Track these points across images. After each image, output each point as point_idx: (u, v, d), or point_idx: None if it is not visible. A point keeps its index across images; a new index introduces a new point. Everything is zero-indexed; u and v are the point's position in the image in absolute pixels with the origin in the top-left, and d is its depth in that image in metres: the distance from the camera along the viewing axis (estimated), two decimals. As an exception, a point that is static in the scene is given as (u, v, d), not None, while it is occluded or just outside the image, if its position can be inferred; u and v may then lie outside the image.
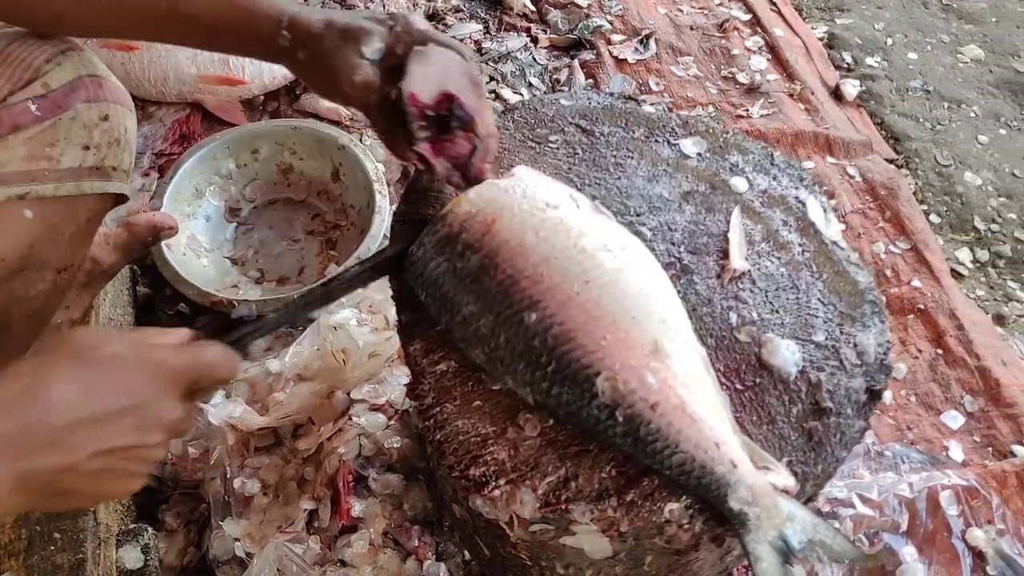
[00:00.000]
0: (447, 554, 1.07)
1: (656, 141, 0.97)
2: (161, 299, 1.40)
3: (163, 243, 1.34)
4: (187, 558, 1.14)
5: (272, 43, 0.80)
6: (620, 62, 1.82)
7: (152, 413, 0.60)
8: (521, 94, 1.73)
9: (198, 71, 1.61)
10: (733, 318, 0.82)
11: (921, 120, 1.81)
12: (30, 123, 0.82)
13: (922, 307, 1.43)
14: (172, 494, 1.20)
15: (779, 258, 0.87)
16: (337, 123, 1.61)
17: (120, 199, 0.91)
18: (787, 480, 0.71)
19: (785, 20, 1.98)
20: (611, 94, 1.04)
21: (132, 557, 1.03)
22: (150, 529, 1.07)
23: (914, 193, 1.65)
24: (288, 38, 0.80)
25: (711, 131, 0.99)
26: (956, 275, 1.53)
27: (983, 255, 1.58)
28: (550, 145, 0.96)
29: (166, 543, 1.13)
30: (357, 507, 1.08)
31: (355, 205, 1.48)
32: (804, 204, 0.92)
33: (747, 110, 1.73)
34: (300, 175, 1.54)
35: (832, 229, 0.91)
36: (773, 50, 1.87)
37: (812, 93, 1.78)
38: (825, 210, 0.93)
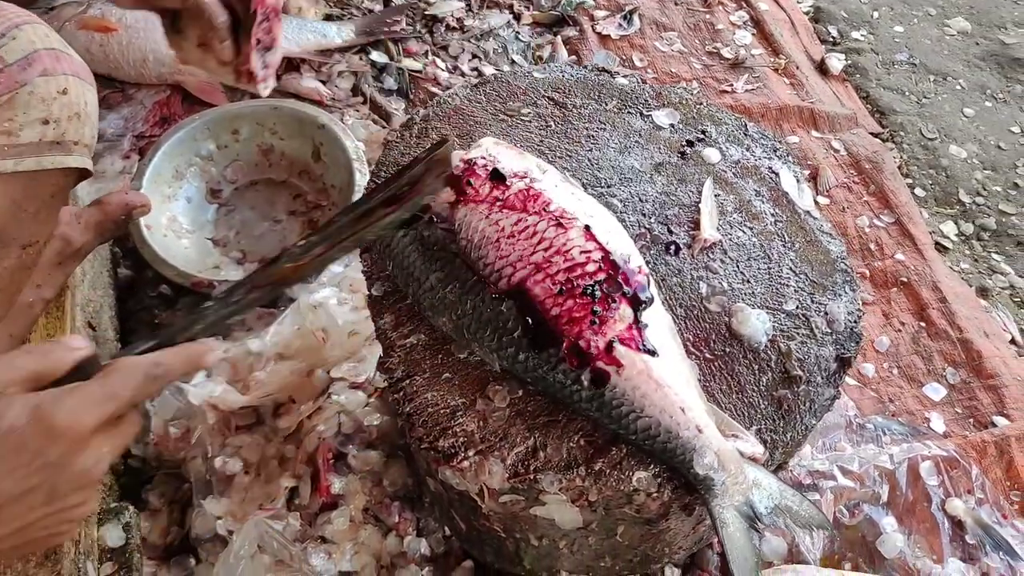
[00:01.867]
0: (427, 530, 1.08)
1: (629, 113, 0.97)
2: (143, 281, 1.40)
3: (143, 225, 1.34)
4: (170, 537, 1.14)
5: None
6: (604, 38, 1.80)
7: (63, 479, 0.57)
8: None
9: (177, 52, 1.60)
10: (703, 288, 0.82)
11: (907, 93, 1.80)
12: None
13: (905, 280, 1.43)
14: (155, 474, 1.20)
15: (751, 228, 0.87)
16: (318, 103, 1.60)
17: (84, 174, 0.90)
18: (755, 448, 0.72)
19: (771, -6, 1.96)
20: (585, 67, 1.03)
21: (114, 535, 1.04)
22: (131, 507, 1.08)
23: (899, 167, 1.64)
24: None
25: (684, 102, 0.98)
26: (941, 248, 1.53)
27: (968, 228, 1.58)
28: (522, 118, 0.95)
29: (149, 522, 1.14)
30: (337, 484, 1.09)
31: (336, 184, 1.48)
32: (777, 174, 0.92)
33: (732, 85, 1.72)
34: (281, 155, 1.53)
35: (805, 199, 0.91)
36: (758, 24, 1.86)
37: (797, 67, 1.77)
38: (798, 180, 0.92)
